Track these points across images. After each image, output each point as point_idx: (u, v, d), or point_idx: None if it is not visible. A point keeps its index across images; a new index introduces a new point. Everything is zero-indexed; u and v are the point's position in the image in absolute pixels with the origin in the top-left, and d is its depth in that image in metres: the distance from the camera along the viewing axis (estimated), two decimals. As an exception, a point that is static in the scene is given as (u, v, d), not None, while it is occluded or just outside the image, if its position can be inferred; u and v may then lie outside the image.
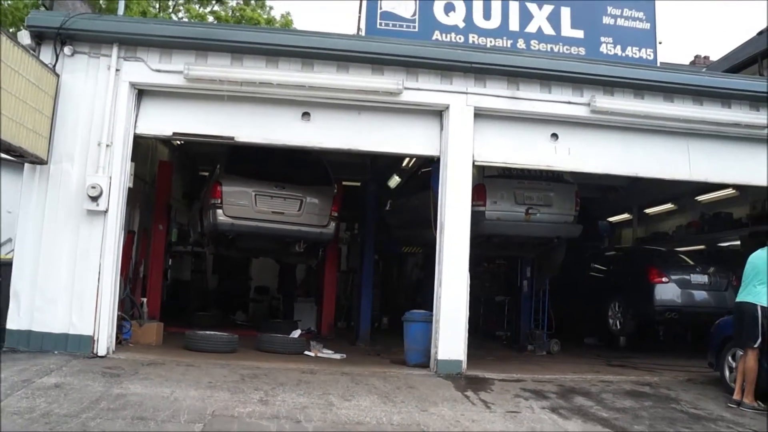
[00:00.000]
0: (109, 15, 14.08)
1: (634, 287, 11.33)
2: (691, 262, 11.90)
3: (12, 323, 7.75)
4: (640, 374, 9.07)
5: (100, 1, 20.02)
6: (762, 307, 7.25)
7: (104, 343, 7.87)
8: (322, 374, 7.81)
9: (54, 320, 7.82)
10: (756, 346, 7.20)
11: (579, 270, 12.87)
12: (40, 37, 8.08)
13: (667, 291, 10.94)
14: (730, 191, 12.76)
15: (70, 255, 7.94)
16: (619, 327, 11.67)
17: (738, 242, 12.94)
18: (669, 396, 7.77)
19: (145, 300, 10.50)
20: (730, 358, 7.95)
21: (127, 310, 9.55)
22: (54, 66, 8.05)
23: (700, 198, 14.02)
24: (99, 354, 7.79)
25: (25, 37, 7.89)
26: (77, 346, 7.75)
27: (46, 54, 8.08)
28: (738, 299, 7.61)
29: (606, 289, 12.11)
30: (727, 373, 7.98)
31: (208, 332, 9.42)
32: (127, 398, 6.06)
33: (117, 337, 8.33)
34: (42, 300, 7.83)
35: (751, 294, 7.40)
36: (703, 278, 11.15)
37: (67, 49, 8.13)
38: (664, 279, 11.00)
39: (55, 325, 7.81)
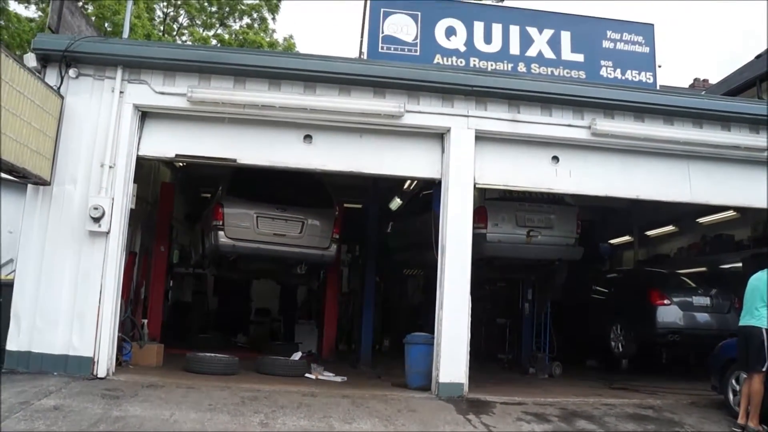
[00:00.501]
0: (113, 38, 14.24)
1: (636, 309, 11.28)
2: (693, 285, 11.86)
3: (12, 344, 7.72)
4: (643, 397, 9.00)
5: (105, 24, 20.26)
6: (767, 330, 7.21)
7: (104, 364, 7.84)
8: (323, 397, 7.76)
9: (54, 341, 7.79)
10: (764, 369, 7.16)
11: (580, 292, 12.83)
12: (45, 59, 8.18)
13: (669, 313, 10.89)
14: (731, 213, 12.77)
15: (72, 276, 7.93)
16: (620, 349, 11.60)
17: (740, 264, 12.90)
18: (672, 419, 7.70)
19: (145, 321, 10.45)
20: (733, 381, 7.91)
21: (128, 331, 9.52)
22: (59, 88, 8.13)
23: (702, 220, 14.01)
24: (99, 375, 7.75)
25: (30, 59, 7.99)
26: (77, 368, 7.71)
27: (51, 76, 8.17)
28: (741, 323, 7.56)
29: (607, 312, 12.06)
30: (731, 396, 7.93)
31: (208, 354, 9.37)
32: (126, 420, 6.03)
33: (117, 359, 8.29)
34: (42, 321, 7.81)
35: (754, 317, 7.36)
36: (705, 300, 11.11)
37: (72, 72, 8.23)
38: (666, 301, 10.96)
39: (55, 347, 7.78)
